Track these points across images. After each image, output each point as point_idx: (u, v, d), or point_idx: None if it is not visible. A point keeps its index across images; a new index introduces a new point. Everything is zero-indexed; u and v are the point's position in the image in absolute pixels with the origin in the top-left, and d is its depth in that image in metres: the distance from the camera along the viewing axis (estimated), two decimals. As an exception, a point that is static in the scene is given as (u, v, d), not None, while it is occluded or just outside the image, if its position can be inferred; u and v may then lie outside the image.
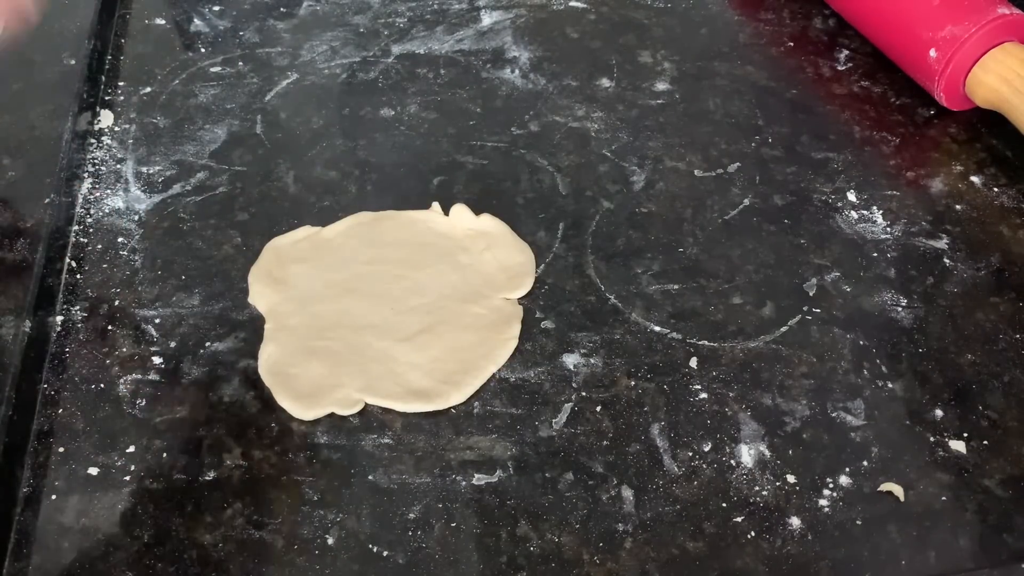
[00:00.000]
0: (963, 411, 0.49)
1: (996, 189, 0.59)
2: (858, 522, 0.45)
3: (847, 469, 0.46)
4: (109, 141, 0.61)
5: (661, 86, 0.65)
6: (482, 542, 0.44)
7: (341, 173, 0.60)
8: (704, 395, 0.49)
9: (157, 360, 0.50)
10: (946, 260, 0.55)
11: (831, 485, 0.46)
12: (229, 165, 0.60)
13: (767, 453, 0.47)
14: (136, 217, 0.57)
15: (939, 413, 0.49)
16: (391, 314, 0.52)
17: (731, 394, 0.49)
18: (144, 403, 0.49)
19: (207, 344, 0.51)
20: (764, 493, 0.46)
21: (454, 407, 0.49)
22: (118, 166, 0.60)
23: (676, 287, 0.54)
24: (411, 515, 0.45)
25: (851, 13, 0.68)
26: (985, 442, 0.47)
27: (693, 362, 0.50)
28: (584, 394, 0.49)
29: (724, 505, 0.45)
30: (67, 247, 0.56)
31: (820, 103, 0.65)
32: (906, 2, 0.63)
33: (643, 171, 0.60)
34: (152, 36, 0.69)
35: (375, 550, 0.44)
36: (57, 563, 0.43)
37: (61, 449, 0.47)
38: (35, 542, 0.44)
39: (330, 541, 0.44)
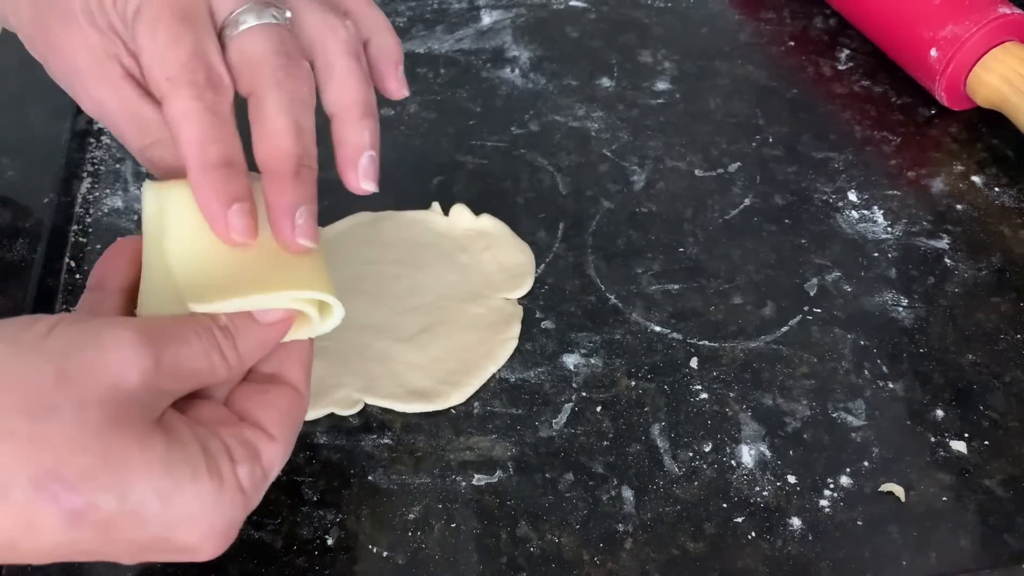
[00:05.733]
0: (964, 411, 0.49)
1: (997, 189, 0.59)
2: (859, 522, 0.45)
3: (848, 469, 0.46)
4: (108, 141, 0.61)
5: (661, 85, 0.65)
6: (482, 542, 0.44)
7: (341, 173, 0.59)
8: (704, 395, 0.49)
9: (157, 360, 0.50)
10: (947, 260, 0.55)
11: (832, 485, 0.46)
12: (229, 165, 0.60)
13: (768, 453, 0.47)
14: (135, 217, 0.57)
15: (940, 413, 0.48)
16: (391, 314, 0.52)
17: (732, 394, 0.49)
18: (144, 403, 0.49)
19: (207, 344, 0.51)
20: (765, 493, 0.46)
21: (454, 407, 0.49)
22: (117, 166, 0.60)
23: (676, 287, 0.54)
24: (411, 515, 0.45)
25: (852, 12, 0.68)
26: (986, 442, 0.47)
27: (693, 362, 0.50)
28: (584, 394, 0.49)
29: (724, 505, 0.45)
30: (66, 247, 0.56)
31: (821, 103, 0.65)
32: (907, 1, 0.63)
33: (643, 171, 0.60)
34: (152, 36, 0.69)
35: (375, 550, 0.44)
36: (57, 563, 0.43)
37: (60, 449, 0.47)
38: (34, 542, 0.44)
39: (330, 541, 0.44)
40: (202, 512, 0.34)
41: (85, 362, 0.33)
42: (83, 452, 0.32)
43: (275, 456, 0.37)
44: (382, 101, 0.63)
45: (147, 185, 0.41)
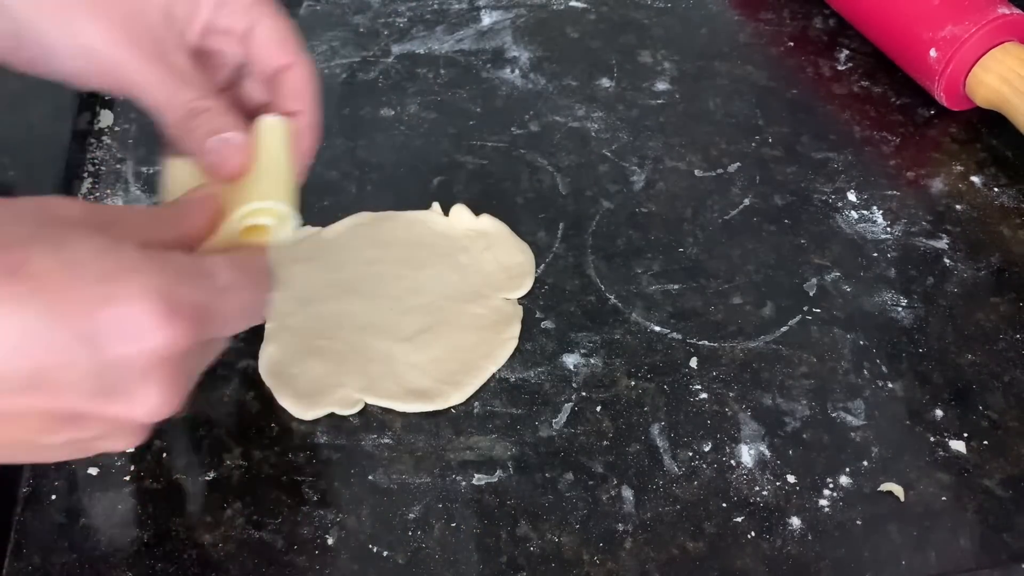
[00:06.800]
0: (963, 411, 0.49)
1: (996, 189, 0.59)
2: (858, 522, 0.45)
3: (847, 469, 0.46)
4: (109, 141, 0.61)
5: (661, 86, 0.65)
6: (482, 542, 0.44)
7: (341, 173, 0.60)
8: (704, 395, 0.49)
9: (157, 360, 0.50)
10: (946, 260, 0.55)
11: (831, 485, 0.46)
12: (229, 165, 0.60)
13: (767, 453, 0.47)
14: (136, 217, 0.57)
15: (939, 413, 0.49)
16: (391, 314, 0.52)
17: (731, 394, 0.49)
18: (144, 403, 0.49)
19: (207, 344, 0.51)
20: (764, 493, 0.46)
21: (454, 407, 0.49)
22: (118, 166, 0.60)
23: (676, 287, 0.54)
24: (411, 515, 0.45)
25: (851, 13, 0.68)
26: (985, 442, 0.47)
27: (693, 362, 0.50)
28: (584, 394, 0.49)
29: (724, 505, 0.45)
30: (67, 247, 0.56)
31: (820, 103, 0.65)
32: (906, 2, 0.63)
33: (643, 171, 0.60)
34: (152, 36, 0.69)
35: (375, 550, 0.44)
36: (57, 563, 0.43)
37: (61, 449, 0.47)
38: (35, 542, 0.44)
39: (330, 541, 0.44)
40: (136, 264, 0.34)
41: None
42: (17, 224, 0.34)
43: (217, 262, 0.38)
44: (382, 102, 0.64)
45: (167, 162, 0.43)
